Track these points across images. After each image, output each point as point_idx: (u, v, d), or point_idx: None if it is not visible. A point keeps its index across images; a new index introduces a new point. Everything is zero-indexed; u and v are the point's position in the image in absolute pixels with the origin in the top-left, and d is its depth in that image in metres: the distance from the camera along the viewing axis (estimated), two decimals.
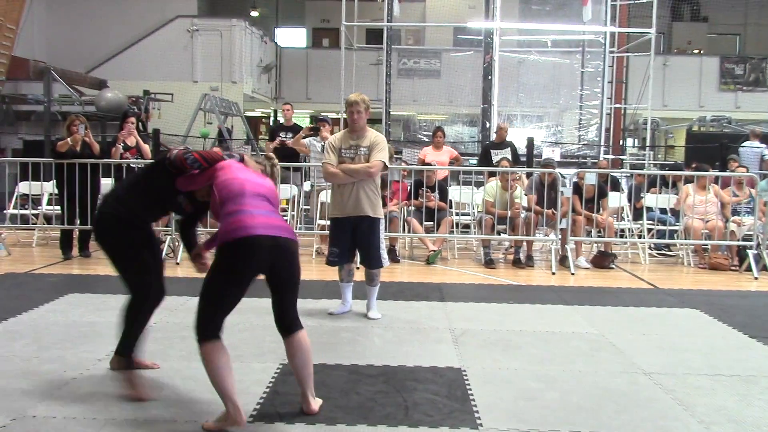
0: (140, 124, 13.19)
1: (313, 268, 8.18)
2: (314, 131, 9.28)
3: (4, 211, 9.43)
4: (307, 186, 9.87)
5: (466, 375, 4.35)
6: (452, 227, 9.32)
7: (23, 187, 9.80)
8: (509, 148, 10.67)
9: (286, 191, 9.78)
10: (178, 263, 8.21)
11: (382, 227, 5.80)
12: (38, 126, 15.70)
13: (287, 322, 3.65)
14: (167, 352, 4.67)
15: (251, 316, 5.72)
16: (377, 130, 6.08)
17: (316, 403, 3.71)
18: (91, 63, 19.25)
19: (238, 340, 5.02)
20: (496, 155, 10.55)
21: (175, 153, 3.86)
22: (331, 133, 8.24)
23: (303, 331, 3.67)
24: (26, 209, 9.91)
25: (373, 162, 5.57)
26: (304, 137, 9.32)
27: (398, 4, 15.99)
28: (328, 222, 6.28)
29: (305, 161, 9.79)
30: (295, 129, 10.13)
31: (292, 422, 3.56)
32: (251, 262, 3.43)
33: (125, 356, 4.04)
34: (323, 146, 9.23)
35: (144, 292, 3.99)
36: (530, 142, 11.57)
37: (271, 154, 4.17)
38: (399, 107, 17.77)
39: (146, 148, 9.19)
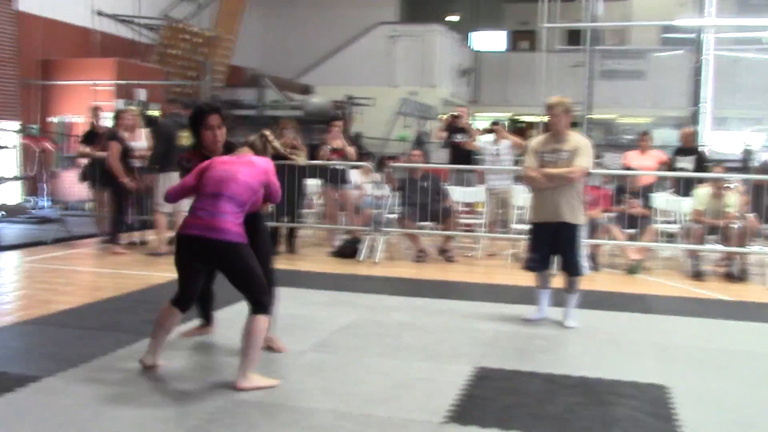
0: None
1: (508, 273, 8.11)
2: (489, 133, 9.24)
3: None
4: (483, 189, 9.71)
5: (670, 393, 4.10)
6: (657, 236, 8.84)
7: None
8: (695, 156, 9.90)
9: (475, 195, 9.78)
10: (376, 262, 8.45)
11: (582, 234, 5.62)
12: (252, 129, 16.81)
13: (248, 304, 4.02)
14: (366, 349, 4.81)
15: (447, 318, 5.78)
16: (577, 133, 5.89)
17: (244, 381, 3.90)
18: (299, 70, 20.39)
19: (433, 340, 5.08)
20: (679, 162, 9.87)
21: None
22: (527, 137, 8.12)
23: (257, 317, 3.94)
24: None
25: (574, 167, 5.40)
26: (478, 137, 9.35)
27: (601, 3, 15.48)
28: (527, 226, 6.19)
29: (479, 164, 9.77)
30: (468, 131, 10.10)
31: (486, 426, 3.53)
32: (180, 254, 4.09)
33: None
34: (497, 150, 9.22)
35: None
36: (746, 148, 10.72)
37: (266, 132, 4.45)
38: (600, 110, 17.19)
39: (351, 150, 9.51)
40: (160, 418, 3.53)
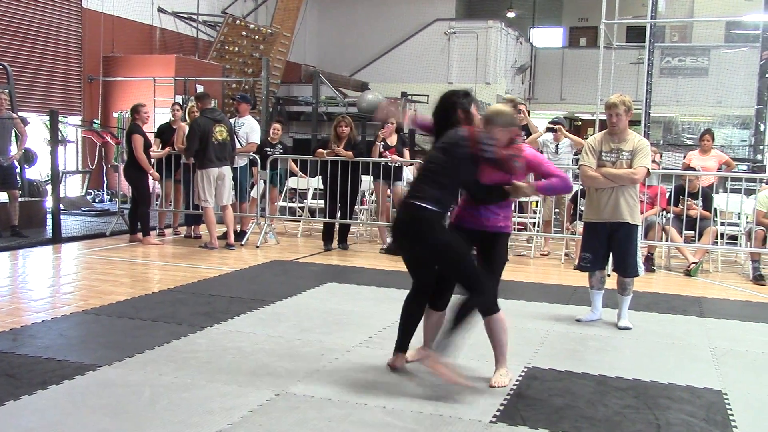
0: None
1: (561, 273, 8.00)
2: (550, 131, 9.12)
3: (276, 204, 10.27)
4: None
5: (727, 398, 4.00)
6: (716, 238, 8.62)
7: (292, 182, 10.64)
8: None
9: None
10: None
11: (638, 234, 5.51)
12: (306, 125, 16.96)
13: None
14: (415, 345, 4.79)
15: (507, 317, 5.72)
16: (636, 132, 5.76)
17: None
18: (355, 66, 20.44)
19: (483, 339, 5.01)
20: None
21: (499, 155, 3.94)
22: (593, 136, 7.97)
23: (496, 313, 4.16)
24: (294, 202, 10.76)
25: (637, 168, 5.30)
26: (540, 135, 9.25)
27: None
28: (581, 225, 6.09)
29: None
30: (530, 128, 9.95)
31: (535, 427, 3.50)
32: None
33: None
34: (557, 146, 9.08)
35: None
36: None
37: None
38: (660, 108, 16.80)
39: (404, 154, 9.39)
40: (210, 410, 3.59)
